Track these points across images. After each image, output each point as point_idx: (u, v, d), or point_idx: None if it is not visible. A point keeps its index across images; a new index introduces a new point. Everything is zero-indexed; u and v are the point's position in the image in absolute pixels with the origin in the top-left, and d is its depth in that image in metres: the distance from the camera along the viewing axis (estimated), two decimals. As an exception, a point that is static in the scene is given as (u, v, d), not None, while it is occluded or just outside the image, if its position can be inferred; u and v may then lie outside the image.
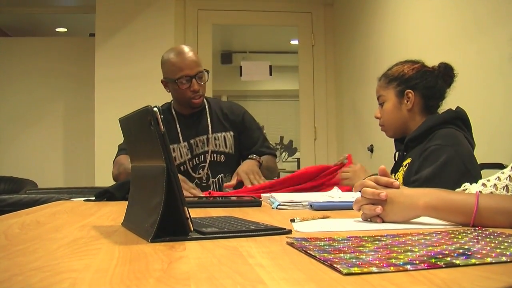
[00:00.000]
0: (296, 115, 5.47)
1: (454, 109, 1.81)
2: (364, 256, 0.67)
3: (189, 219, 0.88)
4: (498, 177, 1.22)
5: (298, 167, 6.29)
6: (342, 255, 0.68)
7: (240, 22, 5.35)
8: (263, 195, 1.79)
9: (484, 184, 1.22)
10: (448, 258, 0.65)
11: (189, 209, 0.88)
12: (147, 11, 4.53)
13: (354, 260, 0.64)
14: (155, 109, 0.86)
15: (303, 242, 0.80)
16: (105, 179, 2.41)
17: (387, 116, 1.89)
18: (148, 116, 0.86)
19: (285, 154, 8.12)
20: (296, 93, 5.21)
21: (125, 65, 4.45)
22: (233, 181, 2.20)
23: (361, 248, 0.73)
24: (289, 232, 0.94)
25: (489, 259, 0.65)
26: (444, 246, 0.74)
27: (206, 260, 0.70)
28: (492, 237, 0.83)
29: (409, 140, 1.82)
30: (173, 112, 2.50)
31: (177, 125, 2.46)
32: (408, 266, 0.61)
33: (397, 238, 0.83)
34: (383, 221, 1.07)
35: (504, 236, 0.83)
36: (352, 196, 1.29)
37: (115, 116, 1.18)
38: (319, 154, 4.99)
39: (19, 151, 5.25)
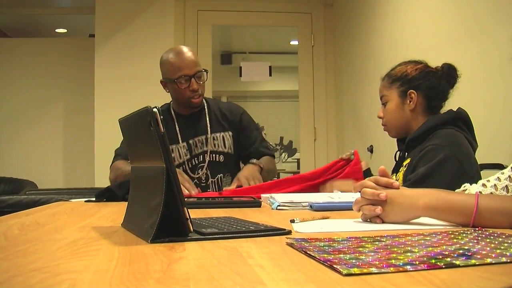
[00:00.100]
0: (296, 115, 5.47)
1: (455, 109, 1.81)
2: (364, 257, 0.67)
3: (189, 220, 0.88)
4: (498, 177, 1.22)
5: (298, 167, 6.29)
6: (342, 255, 0.68)
7: (239, 22, 5.35)
8: (263, 195, 1.78)
9: (484, 185, 1.22)
10: (448, 259, 0.65)
11: (188, 209, 0.88)
12: (146, 12, 4.53)
13: (354, 261, 0.64)
14: (154, 109, 0.86)
15: (303, 242, 0.80)
16: (105, 180, 2.41)
17: (390, 116, 1.89)
18: (148, 116, 0.86)
19: (285, 155, 8.12)
20: (296, 93, 5.21)
21: (124, 66, 4.45)
22: (233, 186, 2.20)
23: (361, 249, 0.73)
24: (289, 232, 0.94)
25: (489, 260, 0.65)
26: (444, 247, 0.74)
27: (205, 261, 0.70)
28: (492, 237, 0.83)
29: (410, 140, 1.82)
30: (172, 112, 2.50)
31: (176, 126, 2.46)
32: (408, 267, 0.61)
33: (397, 239, 0.83)
34: (383, 222, 1.07)
35: (504, 236, 0.83)
36: (352, 197, 1.29)
37: (115, 117, 1.18)
38: (319, 154, 4.99)
39: (19, 151, 5.25)
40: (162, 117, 0.86)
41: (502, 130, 2.30)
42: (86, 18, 5.42)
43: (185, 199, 0.90)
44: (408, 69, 1.87)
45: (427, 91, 1.83)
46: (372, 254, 0.69)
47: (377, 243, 0.79)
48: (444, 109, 1.86)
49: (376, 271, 0.59)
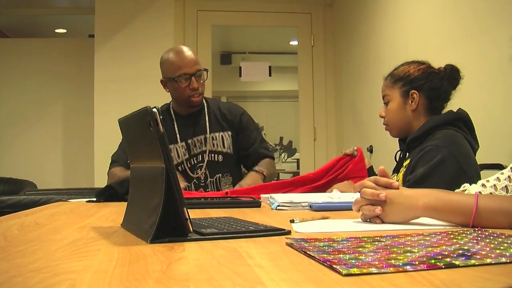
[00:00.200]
0: (296, 115, 5.47)
1: (455, 110, 1.82)
2: (363, 257, 0.67)
3: (189, 220, 0.88)
4: (497, 177, 1.22)
5: (298, 167, 6.29)
6: (341, 256, 0.68)
7: (239, 23, 5.35)
8: (262, 195, 1.78)
9: (483, 185, 1.22)
10: (448, 259, 0.65)
11: (188, 210, 0.88)
12: (146, 12, 4.53)
13: (353, 261, 0.64)
14: (154, 110, 0.85)
15: (303, 242, 0.80)
16: (104, 180, 2.41)
17: (392, 116, 1.90)
18: (147, 117, 0.86)
19: (284, 155, 8.12)
20: (296, 93, 5.21)
21: (124, 66, 4.45)
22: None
23: (360, 249, 0.73)
24: (289, 232, 0.94)
25: (488, 260, 0.65)
26: (444, 247, 0.74)
27: (205, 261, 0.70)
28: (491, 237, 0.83)
29: (410, 141, 1.83)
30: (172, 112, 2.50)
31: (175, 125, 2.46)
32: (408, 267, 0.61)
33: (396, 239, 0.83)
34: (383, 222, 1.07)
35: (503, 236, 0.83)
36: (351, 197, 1.29)
37: (115, 117, 1.18)
38: (319, 154, 4.99)
39: (18, 152, 5.24)
40: (161, 117, 0.86)
41: (502, 130, 2.30)
42: (85, 18, 5.42)
43: (185, 199, 0.89)
44: (410, 69, 1.87)
45: (429, 91, 1.83)
46: (372, 254, 0.69)
47: (376, 243, 0.79)
48: (446, 110, 1.87)
49: (375, 271, 0.59)
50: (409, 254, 0.69)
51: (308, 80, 5.06)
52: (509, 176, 1.20)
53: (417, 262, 0.63)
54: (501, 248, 0.73)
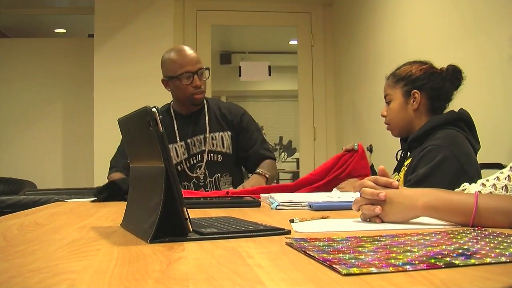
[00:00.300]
0: (295, 115, 5.47)
1: (457, 110, 1.82)
2: (363, 257, 0.67)
3: (188, 220, 0.87)
4: (497, 177, 1.22)
5: (298, 167, 6.29)
6: (341, 255, 0.68)
7: (239, 22, 5.36)
8: (262, 195, 1.78)
9: (483, 184, 1.22)
10: (448, 259, 0.65)
11: (188, 209, 0.87)
12: (146, 12, 4.53)
13: (353, 261, 0.64)
14: (153, 109, 0.85)
15: (302, 242, 0.80)
16: (104, 180, 2.41)
17: (393, 115, 1.90)
18: (147, 116, 0.86)
19: (284, 154, 8.13)
20: (295, 93, 5.21)
21: (124, 66, 4.45)
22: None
23: (360, 249, 0.73)
24: (288, 232, 0.94)
25: (488, 259, 0.65)
26: (444, 246, 0.74)
27: (205, 261, 0.70)
28: (491, 237, 0.83)
29: (411, 140, 1.83)
30: (172, 112, 2.50)
31: (175, 125, 2.46)
32: (408, 267, 0.61)
33: (396, 239, 0.83)
34: (382, 221, 1.07)
35: (503, 236, 0.83)
36: (351, 197, 1.29)
37: (114, 117, 1.18)
38: (318, 154, 4.99)
39: (18, 152, 5.24)
40: (161, 116, 0.86)
41: (502, 129, 2.30)
42: (85, 18, 5.42)
43: (185, 199, 0.89)
44: (413, 69, 1.88)
45: (431, 91, 1.84)
46: (372, 253, 0.69)
47: (376, 242, 0.79)
48: (447, 110, 1.87)
49: (375, 271, 0.59)
50: (408, 253, 0.69)
51: (308, 79, 5.06)
52: (508, 176, 1.20)
53: (417, 262, 0.63)
54: (501, 247, 0.73)
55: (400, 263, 0.63)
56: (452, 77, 1.85)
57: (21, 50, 5.39)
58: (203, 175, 2.44)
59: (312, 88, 5.05)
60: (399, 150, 1.97)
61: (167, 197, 0.85)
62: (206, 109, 2.51)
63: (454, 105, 1.88)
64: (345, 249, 0.73)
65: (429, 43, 2.98)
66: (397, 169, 1.91)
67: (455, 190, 1.28)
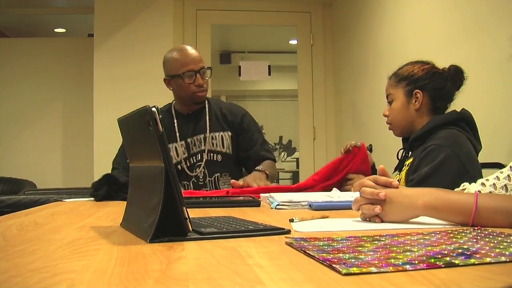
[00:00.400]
0: (295, 115, 5.47)
1: (459, 110, 1.82)
2: (363, 256, 0.67)
3: (188, 219, 0.87)
4: (497, 176, 1.22)
5: (297, 167, 6.29)
6: (341, 255, 0.68)
7: (239, 22, 5.35)
8: (262, 195, 1.78)
9: (483, 184, 1.22)
10: (447, 258, 0.65)
11: (187, 209, 0.87)
12: (145, 12, 4.53)
13: (353, 260, 0.64)
14: (153, 109, 0.85)
15: (302, 242, 0.80)
16: (103, 180, 2.41)
17: (395, 115, 1.91)
18: (147, 116, 0.86)
19: (284, 154, 8.13)
20: (295, 93, 5.21)
21: (123, 65, 4.45)
22: (240, 182, 2.19)
23: (360, 248, 0.73)
24: (288, 232, 0.93)
25: (488, 259, 0.65)
26: (443, 246, 0.74)
27: (204, 261, 0.70)
28: (491, 236, 0.83)
29: (413, 140, 1.84)
30: (173, 111, 2.51)
31: (175, 124, 2.47)
32: (407, 266, 0.61)
33: (396, 238, 0.83)
34: (382, 221, 1.07)
35: (503, 235, 0.83)
36: (351, 196, 1.28)
37: (114, 116, 1.18)
38: (318, 154, 4.99)
39: (18, 152, 5.24)
40: (161, 116, 0.86)
41: (501, 129, 2.30)
42: (85, 18, 5.42)
43: (184, 198, 0.89)
44: (415, 69, 1.88)
45: (433, 91, 1.84)
46: (371, 253, 0.69)
47: (376, 242, 0.79)
48: (449, 110, 1.87)
49: (375, 271, 0.59)
50: (408, 253, 0.69)
51: (308, 79, 5.06)
52: (508, 175, 1.20)
53: (416, 261, 0.63)
54: (501, 247, 0.73)
55: (400, 263, 0.63)
56: (454, 77, 1.86)
57: (20, 50, 5.38)
58: (202, 174, 2.44)
59: (312, 87, 5.05)
60: (400, 149, 1.97)
61: (167, 196, 0.85)
62: (207, 109, 2.52)
63: (454, 105, 1.88)
64: (345, 249, 0.73)
65: (429, 43, 2.98)
66: (399, 169, 1.92)
67: (455, 190, 1.28)
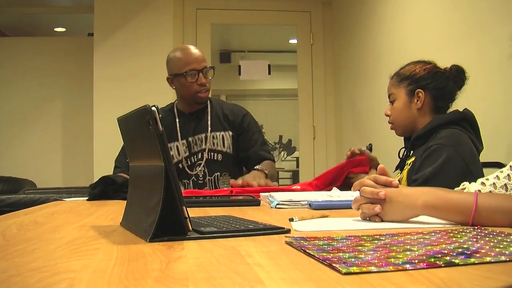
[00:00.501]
0: (295, 114, 5.46)
1: (462, 110, 1.82)
2: (363, 256, 0.67)
3: (188, 219, 0.87)
4: (497, 176, 1.22)
5: (297, 166, 6.29)
6: (341, 254, 0.68)
7: (238, 21, 5.35)
8: (262, 194, 1.78)
9: (483, 183, 1.22)
10: (447, 258, 0.65)
11: (187, 208, 0.87)
12: (145, 11, 4.53)
13: (353, 260, 0.64)
14: (153, 108, 0.85)
15: (302, 241, 0.80)
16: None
17: (397, 114, 1.91)
18: (147, 115, 0.86)
19: (284, 153, 8.12)
20: (295, 92, 5.21)
21: (123, 65, 4.45)
22: (239, 182, 2.19)
23: (360, 248, 0.73)
24: (288, 231, 0.93)
25: (488, 258, 0.64)
26: (443, 245, 0.74)
27: (204, 260, 0.70)
28: (491, 236, 0.83)
29: (414, 139, 1.84)
30: (175, 111, 2.53)
31: (177, 123, 2.48)
32: (407, 266, 0.61)
33: (396, 237, 0.83)
34: (382, 220, 1.07)
35: (503, 235, 0.83)
36: (351, 195, 1.28)
37: (114, 116, 1.18)
38: (318, 153, 4.99)
39: (17, 151, 5.24)
40: (161, 115, 0.86)
41: (501, 128, 2.30)
42: (85, 17, 5.41)
43: (184, 197, 0.89)
44: (417, 69, 1.89)
45: (435, 91, 1.85)
46: (371, 252, 0.69)
47: (376, 241, 0.79)
48: (450, 110, 1.88)
49: (375, 270, 0.59)
50: (408, 252, 0.69)
51: (308, 78, 5.06)
52: (508, 175, 1.20)
53: (416, 261, 0.63)
54: (501, 246, 0.73)
55: (400, 262, 0.63)
56: (456, 77, 1.87)
57: (20, 49, 5.38)
58: (202, 173, 2.45)
59: (312, 87, 5.05)
60: (401, 148, 1.97)
61: (167, 196, 0.85)
62: (209, 108, 2.53)
63: (455, 104, 1.88)
64: (345, 248, 0.73)
65: (429, 42, 2.98)
66: (400, 168, 1.92)
67: (454, 189, 1.28)
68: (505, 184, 1.19)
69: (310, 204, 1.44)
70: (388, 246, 0.75)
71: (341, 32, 4.79)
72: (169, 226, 0.86)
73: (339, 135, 4.92)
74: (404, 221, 1.06)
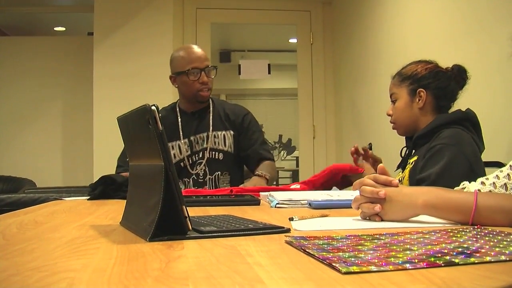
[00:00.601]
0: (295, 113, 5.46)
1: (464, 110, 1.83)
2: (363, 255, 0.67)
3: (188, 218, 0.87)
4: (496, 175, 1.22)
5: (297, 165, 6.29)
6: (341, 254, 0.68)
7: (238, 20, 5.35)
8: (262, 193, 1.78)
9: (482, 183, 1.22)
10: (447, 257, 0.65)
11: (187, 207, 0.87)
12: (145, 10, 4.52)
13: (353, 259, 0.64)
14: (153, 107, 0.85)
15: (302, 240, 0.80)
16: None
17: (399, 114, 1.91)
18: (146, 114, 0.86)
19: (283, 153, 8.13)
20: (295, 91, 5.21)
21: (123, 64, 4.44)
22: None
23: (360, 247, 0.73)
24: (288, 230, 0.93)
25: (488, 258, 0.64)
26: (443, 245, 0.74)
27: (204, 259, 0.70)
28: (491, 235, 0.83)
29: (417, 138, 1.84)
30: (177, 110, 2.55)
31: (179, 122, 2.50)
32: (407, 265, 0.61)
33: (396, 237, 0.83)
34: (382, 220, 1.07)
35: (503, 234, 0.83)
36: (351, 195, 1.28)
37: (114, 115, 1.18)
38: (318, 152, 4.99)
39: (17, 150, 5.24)
40: (160, 115, 0.85)
41: (501, 128, 2.29)
42: (84, 16, 5.41)
43: (184, 197, 0.89)
44: (418, 68, 1.89)
45: (436, 90, 1.85)
46: (371, 252, 0.69)
47: (376, 241, 0.79)
48: (452, 109, 1.88)
49: (375, 269, 0.59)
50: (408, 252, 0.69)
51: (307, 78, 5.06)
52: (508, 174, 1.20)
53: (416, 260, 0.63)
54: (501, 246, 0.73)
55: (400, 262, 0.62)
56: (457, 77, 1.87)
57: (20, 49, 5.38)
58: (203, 172, 2.46)
59: (312, 86, 5.05)
60: (403, 147, 1.97)
61: (167, 195, 0.85)
62: (211, 108, 2.55)
63: (456, 104, 1.88)
64: (345, 248, 0.73)
65: (429, 41, 2.98)
66: (402, 167, 1.92)
67: (454, 189, 1.28)
68: (505, 184, 1.19)
69: (310, 204, 1.44)
70: (388, 245, 0.75)
71: (341, 32, 4.79)
72: (169, 226, 0.86)
73: (339, 135, 4.92)
74: (404, 220, 1.06)
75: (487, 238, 0.80)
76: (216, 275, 0.61)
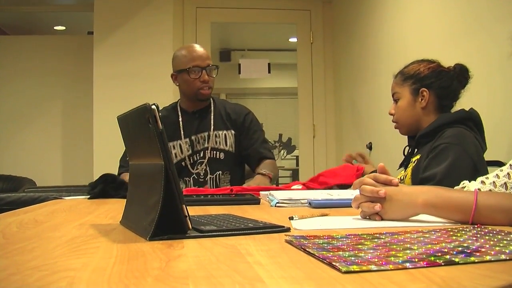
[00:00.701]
0: (295, 112, 5.46)
1: (467, 109, 1.83)
2: (363, 254, 0.67)
3: (188, 217, 0.87)
4: (496, 174, 1.22)
5: (297, 164, 6.29)
6: (341, 253, 0.68)
7: (238, 19, 5.35)
8: (262, 192, 1.78)
9: (482, 182, 1.22)
10: (447, 256, 0.65)
11: (187, 207, 0.87)
12: (145, 9, 4.52)
13: (353, 258, 0.64)
14: (153, 106, 0.85)
15: (302, 240, 0.80)
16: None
17: (401, 113, 1.91)
18: (146, 114, 0.86)
19: (283, 152, 8.13)
20: (295, 90, 5.21)
21: (123, 63, 4.44)
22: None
23: (360, 246, 0.73)
24: (288, 230, 0.93)
25: (488, 257, 0.64)
26: (443, 244, 0.74)
27: (204, 259, 0.70)
28: (491, 235, 0.83)
29: (420, 137, 1.84)
30: (178, 109, 2.55)
31: (180, 122, 2.50)
32: (407, 264, 0.61)
33: (396, 236, 0.83)
34: (382, 219, 1.07)
35: (503, 234, 0.83)
36: (351, 194, 1.28)
37: (114, 114, 1.18)
38: (318, 151, 4.99)
39: (17, 149, 5.24)
40: (160, 114, 0.85)
41: (501, 127, 2.29)
42: (84, 16, 5.40)
43: (184, 196, 0.89)
44: (421, 68, 1.89)
45: (439, 90, 1.85)
46: (371, 251, 0.69)
47: (376, 240, 0.79)
48: (456, 109, 1.88)
49: (375, 269, 0.59)
50: (408, 251, 0.69)
51: (307, 77, 5.06)
52: (508, 173, 1.20)
53: (416, 259, 0.63)
54: (501, 245, 0.73)
55: (400, 261, 0.62)
56: (460, 76, 1.87)
57: (20, 48, 5.38)
58: (203, 171, 2.46)
59: (312, 85, 5.05)
60: (406, 146, 1.97)
61: (167, 194, 0.85)
62: (212, 107, 2.55)
63: (457, 103, 1.89)
64: (345, 247, 0.73)
65: (429, 40, 2.98)
66: (404, 166, 1.92)
67: (454, 188, 1.28)
68: (505, 183, 1.19)
69: (310, 203, 1.44)
70: (388, 244, 0.75)
71: (341, 31, 4.79)
72: (169, 225, 0.86)
73: (339, 134, 4.92)
74: (404, 219, 1.06)
75: (487, 237, 0.80)
76: (216, 274, 0.61)
